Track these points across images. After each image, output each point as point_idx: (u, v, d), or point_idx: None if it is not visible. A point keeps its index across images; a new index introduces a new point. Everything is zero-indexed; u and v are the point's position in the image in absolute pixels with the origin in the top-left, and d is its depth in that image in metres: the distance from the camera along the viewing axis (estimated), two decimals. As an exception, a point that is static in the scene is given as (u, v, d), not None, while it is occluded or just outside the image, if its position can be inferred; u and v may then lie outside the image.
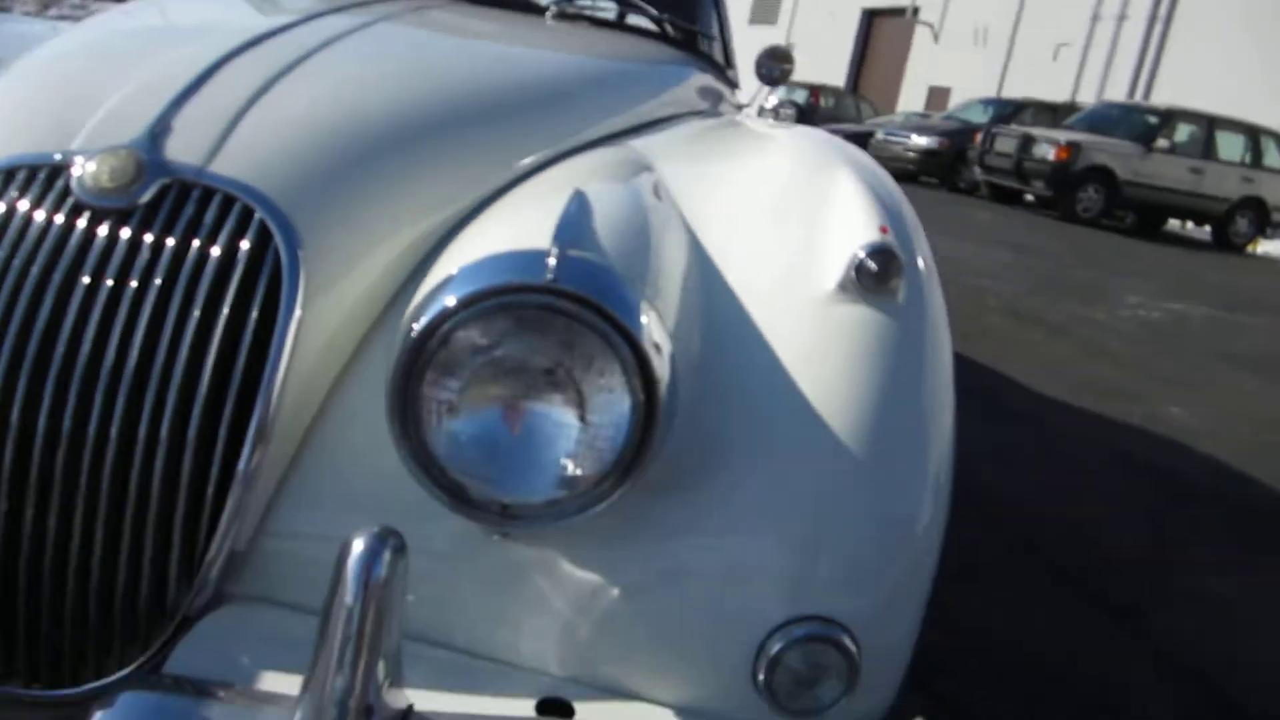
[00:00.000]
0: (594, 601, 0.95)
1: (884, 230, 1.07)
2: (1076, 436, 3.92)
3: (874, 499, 0.96)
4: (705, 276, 1.08)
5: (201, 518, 0.97)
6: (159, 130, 1.01)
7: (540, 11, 2.07)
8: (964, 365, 4.69)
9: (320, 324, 1.02)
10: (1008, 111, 16.49)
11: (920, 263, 1.14)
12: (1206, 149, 13.71)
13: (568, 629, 0.96)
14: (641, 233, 1.03)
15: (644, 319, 0.87)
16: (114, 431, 0.94)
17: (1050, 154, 13.11)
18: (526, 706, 0.93)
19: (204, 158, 1.00)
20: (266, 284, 0.97)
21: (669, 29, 2.36)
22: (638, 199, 1.12)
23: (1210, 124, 13.80)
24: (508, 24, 1.93)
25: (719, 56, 2.58)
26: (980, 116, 16.53)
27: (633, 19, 2.33)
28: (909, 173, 16.00)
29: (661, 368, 0.87)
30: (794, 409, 0.97)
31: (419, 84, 1.27)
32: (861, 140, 16.94)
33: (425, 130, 1.19)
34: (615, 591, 0.95)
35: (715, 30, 2.69)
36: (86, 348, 0.94)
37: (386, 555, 0.80)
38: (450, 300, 0.86)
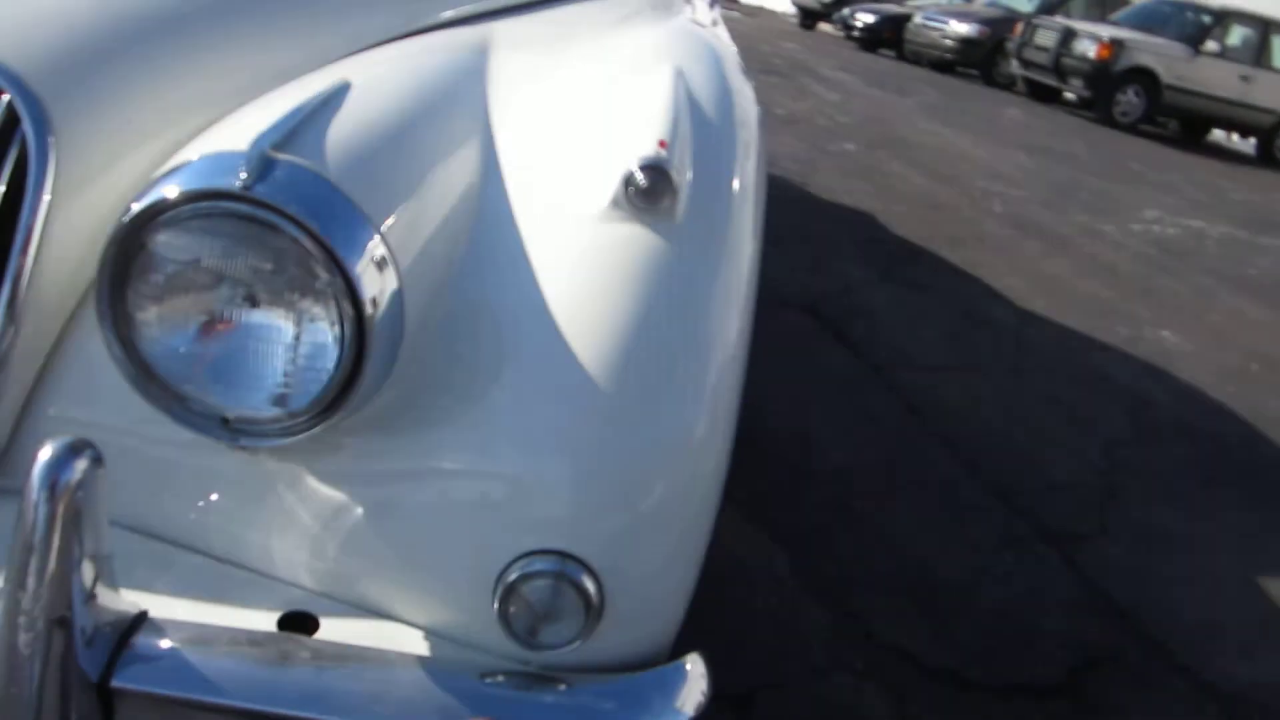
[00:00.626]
0: (341, 517, 0.91)
1: (662, 144, 0.98)
2: (1051, 355, 3.83)
3: (626, 433, 0.90)
4: (488, 185, 1.01)
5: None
6: None
7: None
8: (946, 272, 4.60)
9: (87, 212, 0.96)
10: (1055, 1, 15.71)
11: (734, 183, 1.06)
12: (1259, 55, 13.03)
13: (317, 544, 0.92)
14: (403, 135, 0.94)
15: (362, 236, 0.80)
16: None
17: (1091, 51, 12.49)
18: (270, 620, 0.90)
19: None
20: (14, 167, 0.91)
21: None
22: (422, 95, 1.03)
23: (1265, 28, 13.10)
24: None
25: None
26: (1026, 4, 15.77)
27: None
28: (946, 62, 15.36)
29: (375, 290, 0.81)
30: (550, 332, 0.90)
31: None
32: (899, 23, 16.31)
33: (214, 16, 1.10)
34: (361, 509, 0.91)
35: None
36: None
37: (80, 464, 0.75)
38: (145, 203, 0.80)
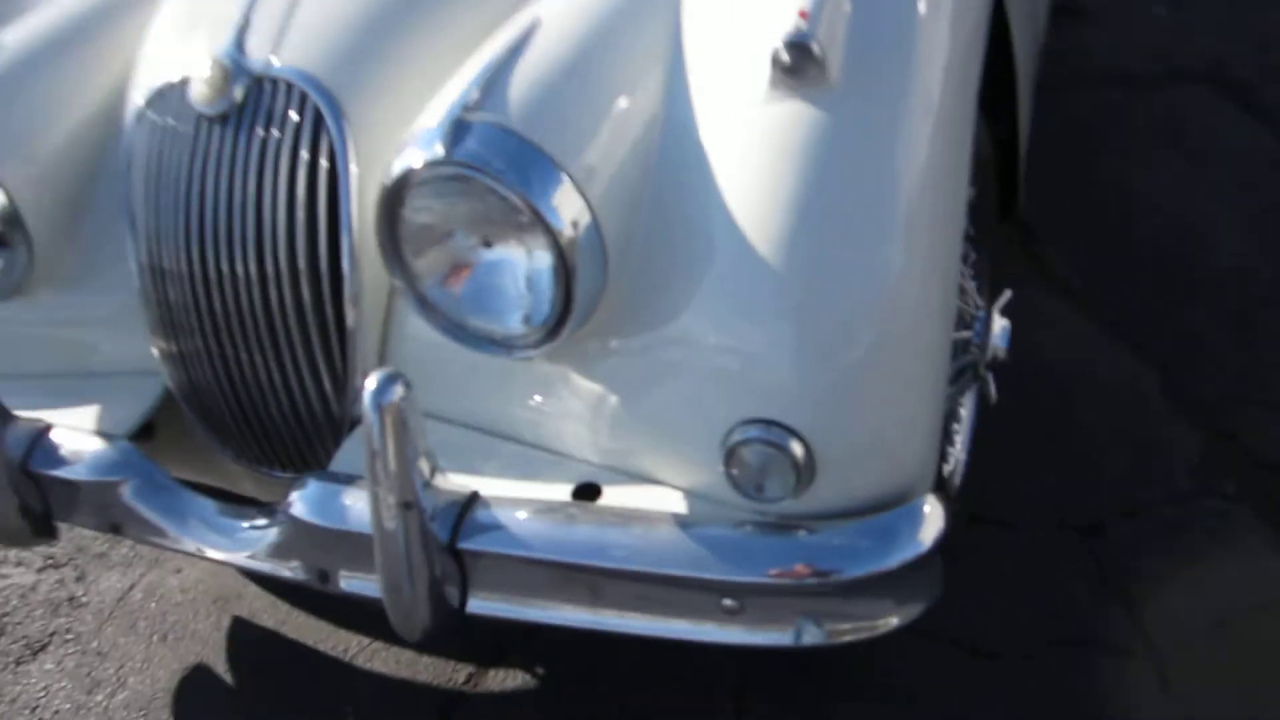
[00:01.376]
0: (605, 401, 1.12)
1: (803, 15, 1.00)
2: None
3: (818, 295, 1.01)
4: (670, 92, 1.12)
5: (330, 338, 1.24)
6: (241, 35, 1.22)
7: None
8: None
9: None
10: None
11: (915, 25, 1.07)
12: None
13: (592, 425, 1.14)
14: (587, 68, 1.09)
15: (550, 176, 0.97)
16: (246, 268, 1.22)
17: None
18: (565, 491, 1.13)
19: (270, 51, 1.20)
20: (330, 156, 1.18)
21: None
22: (609, 19, 1.15)
23: None
24: None
25: None
26: None
27: None
28: None
29: (570, 219, 0.97)
30: (735, 219, 1.03)
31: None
32: None
33: None
34: (616, 395, 1.11)
35: None
36: (220, 214, 1.22)
37: (397, 389, 1.01)
38: (387, 181, 1.04)
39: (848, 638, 1.06)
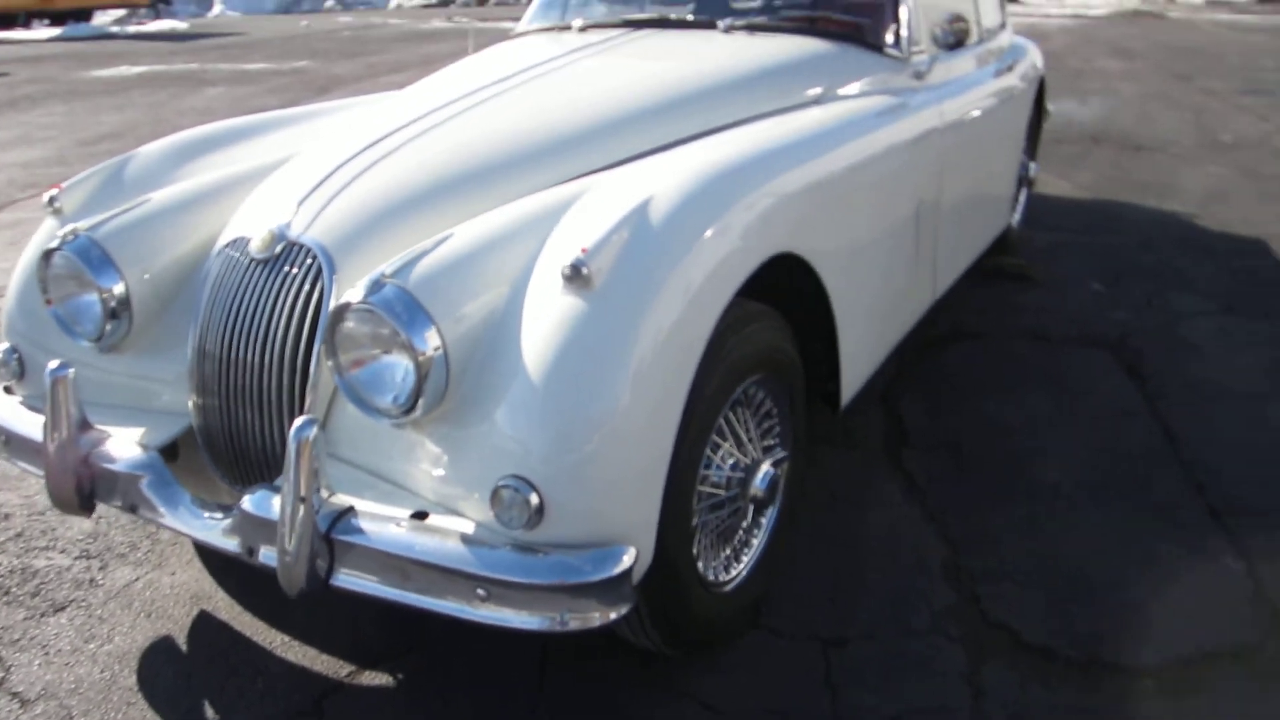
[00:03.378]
0: (440, 459, 1.77)
1: (584, 250, 1.71)
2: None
3: (568, 411, 1.67)
4: (521, 278, 1.83)
5: (294, 405, 1.93)
6: (290, 217, 1.99)
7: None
8: None
9: None
10: None
11: (668, 261, 1.81)
12: None
13: (433, 474, 1.78)
14: (473, 261, 1.81)
15: (424, 323, 1.69)
16: (254, 356, 1.94)
17: None
18: (406, 513, 1.77)
19: (304, 228, 1.97)
20: (319, 295, 1.91)
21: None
22: (503, 233, 1.90)
23: None
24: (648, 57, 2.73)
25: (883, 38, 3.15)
26: None
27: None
28: None
29: (431, 348, 1.69)
30: (528, 358, 1.71)
31: (460, 159, 2.16)
32: None
33: (449, 197, 2.09)
34: (447, 456, 1.76)
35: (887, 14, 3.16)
36: (246, 320, 1.97)
37: (313, 429, 1.68)
38: (335, 306, 1.76)
39: (573, 626, 1.65)
